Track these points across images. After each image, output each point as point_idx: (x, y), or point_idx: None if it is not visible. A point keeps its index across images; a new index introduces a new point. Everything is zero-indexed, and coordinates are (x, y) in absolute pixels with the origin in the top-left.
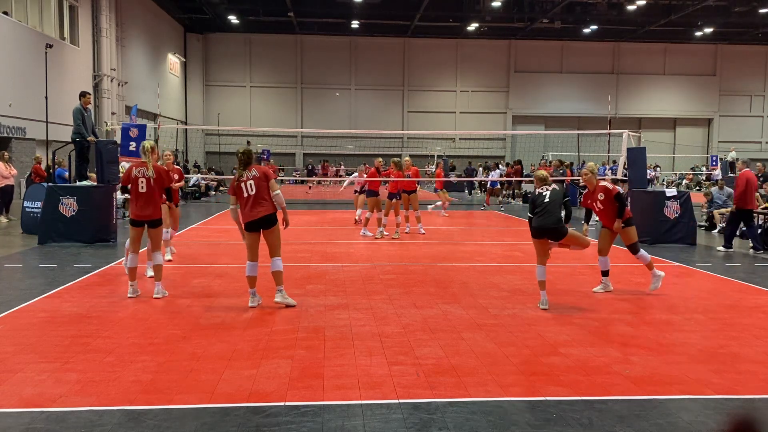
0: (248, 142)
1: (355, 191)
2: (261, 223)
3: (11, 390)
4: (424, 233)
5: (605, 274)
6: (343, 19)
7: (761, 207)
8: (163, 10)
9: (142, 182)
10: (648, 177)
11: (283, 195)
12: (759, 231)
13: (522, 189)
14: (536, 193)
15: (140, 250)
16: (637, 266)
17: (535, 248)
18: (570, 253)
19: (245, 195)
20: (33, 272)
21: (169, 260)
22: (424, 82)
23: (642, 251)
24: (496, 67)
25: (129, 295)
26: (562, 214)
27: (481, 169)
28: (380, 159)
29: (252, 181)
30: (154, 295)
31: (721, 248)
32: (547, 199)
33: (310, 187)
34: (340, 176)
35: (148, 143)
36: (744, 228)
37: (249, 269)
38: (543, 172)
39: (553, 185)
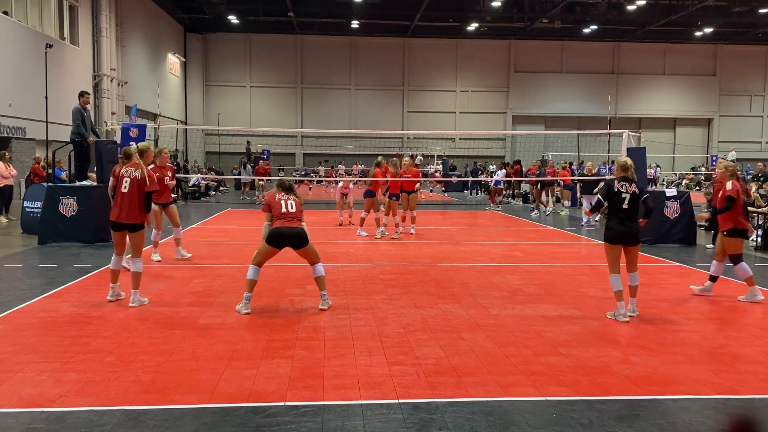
0: (248, 142)
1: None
2: (296, 239)
3: (11, 390)
4: (413, 233)
5: (712, 279)
6: (343, 19)
7: (764, 207)
8: (163, 10)
9: (126, 182)
10: (650, 176)
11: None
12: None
13: (522, 189)
14: (614, 189)
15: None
16: (637, 266)
17: (609, 256)
18: (569, 253)
19: (283, 210)
20: (33, 272)
21: (159, 261)
22: (424, 82)
23: (743, 265)
24: (496, 67)
25: (108, 298)
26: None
27: (483, 169)
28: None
29: (293, 202)
30: (130, 304)
31: (709, 246)
32: (626, 205)
33: (310, 188)
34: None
35: (143, 145)
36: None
37: (252, 272)
38: (626, 160)
39: (633, 188)
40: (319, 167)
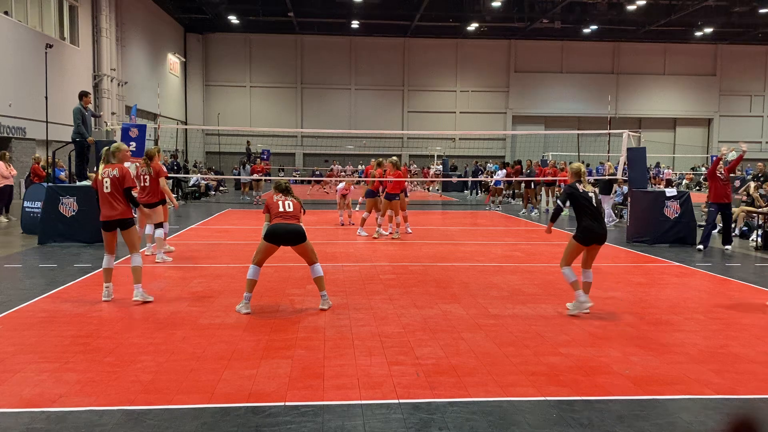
0: (248, 142)
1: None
2: (294, 235)
3: (11, 390)
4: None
5: None
6: (343, 19)
7: (764, 207)
8: (163, 10)
9: (106, 182)
10: (667, 176)
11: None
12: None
13: (522, 189)
14: (580, 190)
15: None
16: (637, 266)
17: (572, 253)
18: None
19: (281, 209)
20: (33, 272)
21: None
22: (424, 82)
23: None
24: (496, 67)
25: (103, 299)
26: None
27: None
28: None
29: (290, 202)
30: (133, 298)
31: (700, 247)
32: (595, 203)
33: (327, 191)
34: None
35: (114, 146)
36: (741, 227)
37: (252, 272)
38: (579, 166)
39: (593, 189)
40: (335, 166)
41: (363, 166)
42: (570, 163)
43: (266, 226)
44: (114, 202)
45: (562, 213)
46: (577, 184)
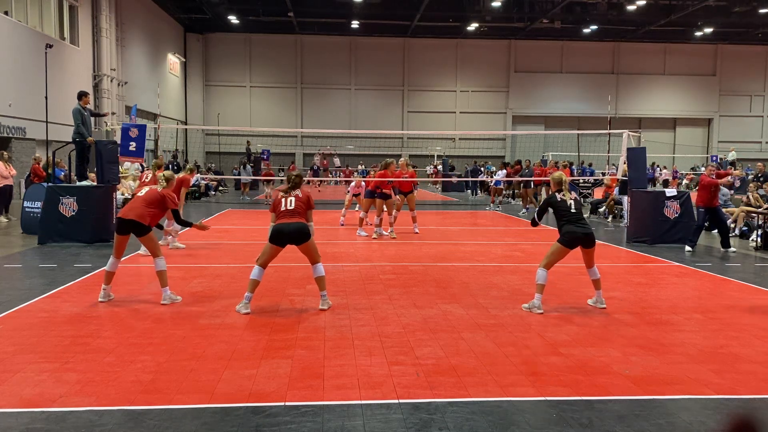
0: (248, 142)
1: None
2: (297, 234)
3: (11, 390)
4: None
5: None
6: (343, 19)
7: (764, 207)
8: (163, 10)
9: (144, 189)
10: (663, 177)
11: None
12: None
13: (522, 189)
14: (558, 198)
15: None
16: (637, 266)
17: (555, 255)
18: (569, 253)
19: (282, 208)
20: (33, 272)
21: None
22: (424, 82)
23: None
24: (496, 67)
25: (100, 299)
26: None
27: (484, 168)
28: (403, 159)
29: (292, 198)
30: (162, 302)
31: (688, 248)
32: (573, 209)
33: (318, 187)
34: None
35: (167, 174)
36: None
37: (255, 272)
38: (561, 174)
39: (573, 195)
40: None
41: (362, 166)
42: (571, 163)
43: (271, 227)
44: (136, 204)
45: (536, 226)
46: (556, 194)
